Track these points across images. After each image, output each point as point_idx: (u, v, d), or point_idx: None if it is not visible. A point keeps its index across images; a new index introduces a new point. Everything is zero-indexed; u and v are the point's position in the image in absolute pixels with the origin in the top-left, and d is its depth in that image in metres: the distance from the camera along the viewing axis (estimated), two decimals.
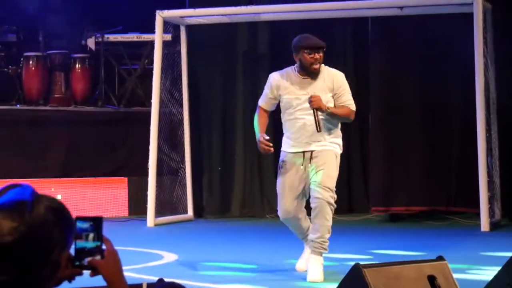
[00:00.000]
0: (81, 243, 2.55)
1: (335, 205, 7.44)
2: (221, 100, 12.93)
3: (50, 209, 2.42)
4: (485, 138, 10.92)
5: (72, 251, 2.54)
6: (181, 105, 12.40)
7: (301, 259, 7.74)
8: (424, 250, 8.85)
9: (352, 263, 4.97)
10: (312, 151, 7.50)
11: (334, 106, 7.51)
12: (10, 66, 13.30)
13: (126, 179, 12.76)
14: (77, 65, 13.37)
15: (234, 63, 12.88)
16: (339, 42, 12.77)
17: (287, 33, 12.38)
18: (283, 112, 7.68)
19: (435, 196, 12.07)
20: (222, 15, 12.11)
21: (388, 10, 11.62)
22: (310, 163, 7.45)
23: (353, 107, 7.61)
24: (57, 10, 13.69)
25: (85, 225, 2.57)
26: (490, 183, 11.06)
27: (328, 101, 7.44)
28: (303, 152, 7.52)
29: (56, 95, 13.24)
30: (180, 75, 12.43)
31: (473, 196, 11.01)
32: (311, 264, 7.37)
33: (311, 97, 7.31)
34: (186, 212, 12.33)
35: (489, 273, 6.24)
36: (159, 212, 11.81)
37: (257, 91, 12.65)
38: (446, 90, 11.88)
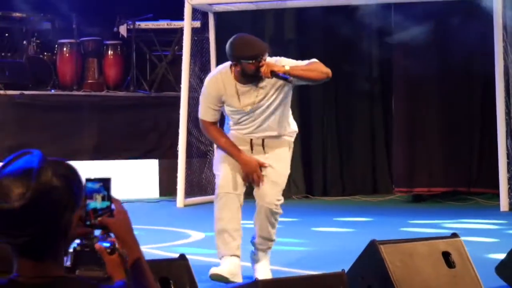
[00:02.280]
0: (91, 203, 2.60)
1: None
2: None
3: (58, 174, 2.45)
4: (505, 121, 10.90)
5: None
6: None
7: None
8: (444, 229, 8.86)
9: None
10: None
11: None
12: (45, 53, 13.38)
13: (156, 161, 12.83)
14: (109, 52, 13.43)
15: None
16: (362, 28, 12.75)
17: (312, 19, 12.44)
18: None
19: (456, 177, 12.05)
20: (249, 2, 12.13)
21: None
22: None
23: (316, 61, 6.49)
24: None
25: (95, 185, 2.62)
26: (510, 164, 11.03)
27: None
28: None
29: (89, 81, 13.30)
30: (209, 61, 12.47)
31: (493, 177, 11.01)
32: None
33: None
34: (214, 193, 12.35)
35: (504, 251, 6.24)
36: (188, 193, 11.86)
37: None
38: (466, 74, 11.84)
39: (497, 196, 10.97)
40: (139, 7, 13.68)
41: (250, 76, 6.39)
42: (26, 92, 12.50)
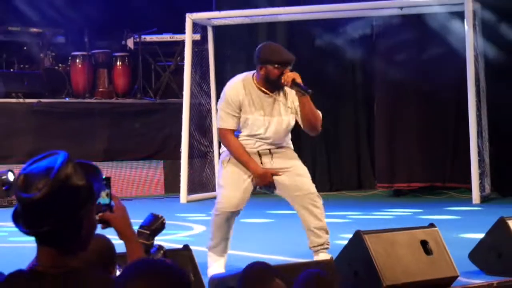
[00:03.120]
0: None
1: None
2: None
3: (79, 173, 2.42)
4: (476, 122, 10.94)
5: None
6: (209, 97, 12.45)
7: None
8: (422, 221, 8.89)
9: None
10: None
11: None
12: (60, 65, 13.38)
13: (162, 162, 12.86)
14: (118, 63, 13.44)
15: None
16: (347, 38, 12.77)
17: (301, 31, 12.46)
18: None
19: (433, 173, 12.07)
20: (244, 16, 12.16)
21: (390, 10, 11.64)
22: None
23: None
24: (100, 14, 13.76)
25: None
26: (481, 161, 11.08)
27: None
28: None
29: (100, 89, 13.31)
30: (208, 70, 12.48)
31: (466, 173, 11.02)
32: None
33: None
34: (215, 190, 12.34)
35: (477, 238, 6.27)
36: (190, 190, 11.88)
37: None
38: (441, 80, 11.84)
39: (469, 190, 10.99)
40: (145, 22, 13.70)
41: (272, 83, 6.04)
42: (43, 100, 12.50)
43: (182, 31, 12.34)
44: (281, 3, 12.31)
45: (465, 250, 6.15)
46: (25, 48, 13.41)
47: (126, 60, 13.51)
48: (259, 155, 6.15)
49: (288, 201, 6.20)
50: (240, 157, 6.06)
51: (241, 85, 6.09)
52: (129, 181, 12.48)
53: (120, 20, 13.95)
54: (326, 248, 6.01)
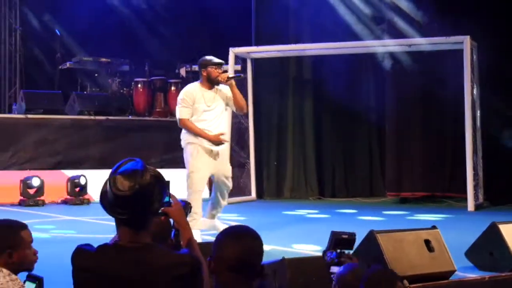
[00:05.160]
0: None
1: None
2: (276, 113, 12.94)
3: (153, 176, 2.72)
4: (472, 142, 10.80)
5: None
6: (247, 117, 12.43)
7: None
8: (424, 224, 8.77)
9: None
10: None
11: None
12: (124, 88, 13.46)
13: None
14: (172, 88, 13.47)
15: (285, 86, 12.89)
16: (363, 71, 12.73)
17: (325, 64, 12.40)
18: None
19: (434, 184, 11.95)
20: (277, 51, 12.16)
21: (400, 47, 11.56)
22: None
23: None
24: (158, 48, 13.83)
25: None
26: (475, 175, 10.94)
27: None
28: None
29: (157, 109, 13.35)
30: (247, 95, 12.46)
31: (463, 185, 10.89)
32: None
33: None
34: (250, 194, 12.36)
35: (472, 240, 6.17)
36: (230, 194, 11.77)
37: (304, 108, 12.71)
38: (442, 106, 11.75)
39: (465, 199, 10.85)
40: (194, 54, 13.71)
41: (212, 81, 7.16)
42: (110, 118, 12.56)
43: (225, 62, 12.33)
44: (308, 40, 12.27)
45: (462, 249, 6.07)
46: (96, 74, 13.52)
47: (179, 86, 13.53)
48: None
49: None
50: (198, 132, 7.34)
51: (192, 88, 7.34)
52: (178, 187, 12.42)
53: (174, 53, 14.01)
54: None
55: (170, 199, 2.87)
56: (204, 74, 7.24)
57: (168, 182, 2.82)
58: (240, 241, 2.66)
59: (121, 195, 2.65)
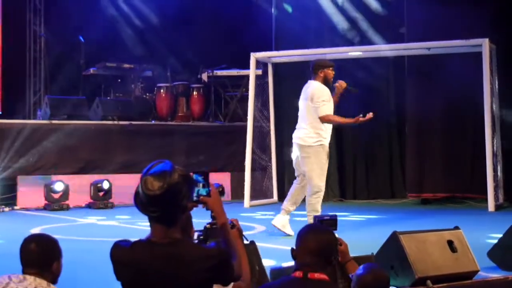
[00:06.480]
0: (196, 189, 3.03)
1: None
2: (297, 117, 12.90)
3: (181, 176, 2.86)
4: (492, 143, 10.79)
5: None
6: (268, 121, 12.47)
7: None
8: (446, 225, 8.75)
9: None
10: None
11: None
12: (147, 94, 13.53)
13: (229, 173, 12.89)
14: (194, 92, 13.53)
15: None
16: (384, 74, 12.73)
17: (344, 68, 12.41)
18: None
19: (455, 185, 11.91)
20: (298, 55, 12.18)
21: (419, 51, 11.55)
22: None
23: None
24: (180, 54, 13.90)
25: (199, 177, 3.05)
26: (495, 176, 10.92)
27: None
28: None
29: (180, 114, 13.41)
30: (268, 99, 12.51)
31: (483, 186, 10.86)
32: None
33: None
34: (272, 197, 12.40)
35: (494, 240, 6.17)
36: (253, 197, 11.89)
37: None
38: (463, 109, 11.74)
39: (485, 200, 10.83)
40: (216, 59, 13.81)
41: (328, 82, 7.51)
42: (133, 122, 12.63)
43: (247, 67, 12.39)
44: (327, 44, 12.29)
45: (484, 249, 6.06)
46: (119, 80, 13.59)
47: (201, 91, 13.60)
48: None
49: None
50: (343, 121, 7.86)
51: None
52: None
53: (196, 58, 14.08)
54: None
55: (210, 188, 3.05)
56: (321, 74, 7.65)
57: (207, 173, 3.03)
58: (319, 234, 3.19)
59: (151, 195, 2.79)
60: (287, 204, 7.77)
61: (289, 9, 12.68)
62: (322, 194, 7.64)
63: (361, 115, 7.48)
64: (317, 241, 3.14)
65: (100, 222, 9.70)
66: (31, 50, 13.98)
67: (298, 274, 3.11)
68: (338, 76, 12.48)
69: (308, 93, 7.64)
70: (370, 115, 7.39)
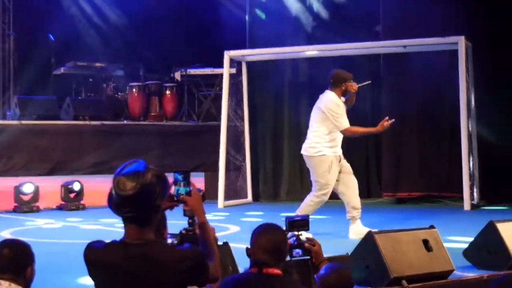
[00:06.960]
0: (177, 188, 3.08)
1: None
2: (272, 117, 12.91)
3: (155, 175, 2.88)
4: (467, 142, 10.80)
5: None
6: (243, 120, 12.41)
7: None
8: (421, 224, 8.74)
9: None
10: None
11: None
12: (119, 93, 13.46)
13: (203, 174, 12.81)
14: (167, 92, 13.48)
15: (281, 89, 12.85)
16: (361, 72, 12.69)
17: (320, 67, 12.38)
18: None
19: (430, 184, 11.93)
20: (272, 53, 12.14)
21: (395, 48, 11.54)
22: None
23: None
24: (152, 52, 13.81)
25: (180, 176, 3.11)
26: (471, 175, 10.94)
27: None
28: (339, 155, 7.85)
29: (152, 113, 13.36)
30: (242, 98, 12.45)
31: (458, 184, 10.87)
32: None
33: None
34: (247, 197, 12.34)
35: (469, 239, 6.16)
36: (227, 197, 11.83)
37: (299, 110, 12.64)
38: (438, 107, 11.75)
39: (461, 199, 10.84)
40: (190, 58, 13.75)
41: (345, 93, 7.61)
42: (105, 123, 12.56)
43: (220, 65, 12.32)
44: (302, 42, 12.26)
45: (460, 248, 6.05)
46: (90, 79, 13.51)
47: (174, 90, 13.55)
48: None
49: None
50: (362, 131, 7.97)
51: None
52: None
53: (169, 57, 14.00)
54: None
55: (190, 188, 3.10)
56: (343, 88, 7.63)
57: (187, 172, 3.08)
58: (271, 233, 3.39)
59: (124, 195, 2.81)
60: (348, 214, 7.84)
61: (262, 15, 12.63)
62: (322, 203, 7.77)
63: (386, 119, 7.51)
64: (269, 240, 3.35)
65: (70, 224, 9.58)
66: (0, 49, 13.81)
67: (253, 270, 3.33)
68: (316, 73, 12.60)
69: (322, 102, 7.66)
70: (388, 119, 7.54)
